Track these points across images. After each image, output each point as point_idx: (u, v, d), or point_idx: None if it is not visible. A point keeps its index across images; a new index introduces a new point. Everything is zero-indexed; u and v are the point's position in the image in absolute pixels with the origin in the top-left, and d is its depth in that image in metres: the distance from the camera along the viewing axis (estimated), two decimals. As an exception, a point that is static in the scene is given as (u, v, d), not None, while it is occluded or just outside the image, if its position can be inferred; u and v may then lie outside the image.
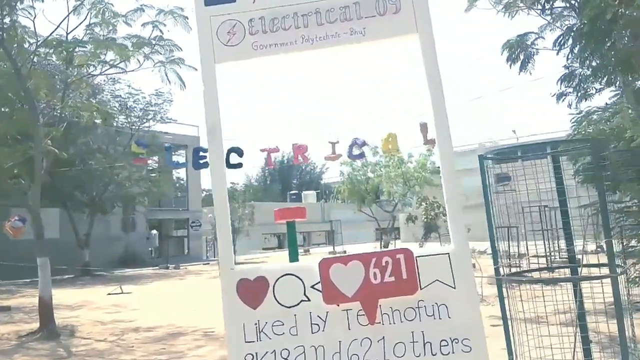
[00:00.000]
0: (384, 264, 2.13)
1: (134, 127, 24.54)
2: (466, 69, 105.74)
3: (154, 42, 9.09)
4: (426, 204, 24.40)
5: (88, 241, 24.62)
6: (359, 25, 2.36)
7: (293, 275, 2.22)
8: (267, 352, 2.13)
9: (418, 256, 2.22)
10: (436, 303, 2.16)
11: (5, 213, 16.31)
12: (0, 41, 8.47)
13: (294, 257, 10.64)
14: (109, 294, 15.49)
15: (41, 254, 9.66)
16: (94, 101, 17.91)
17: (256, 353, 2.14)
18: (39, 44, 9.15)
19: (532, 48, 10.44)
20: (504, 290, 3.79)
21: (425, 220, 24.88)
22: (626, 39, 7.71)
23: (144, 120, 25.35)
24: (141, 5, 9.40)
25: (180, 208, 34.33)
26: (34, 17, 9.11)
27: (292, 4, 2.37)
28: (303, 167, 62.77)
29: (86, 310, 12.71)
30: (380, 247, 28.36)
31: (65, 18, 9.00)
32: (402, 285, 2.12)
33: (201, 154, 10.09)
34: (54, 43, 9.36)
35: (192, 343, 8.28)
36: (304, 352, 2.10)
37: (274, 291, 2.21)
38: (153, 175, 25.36)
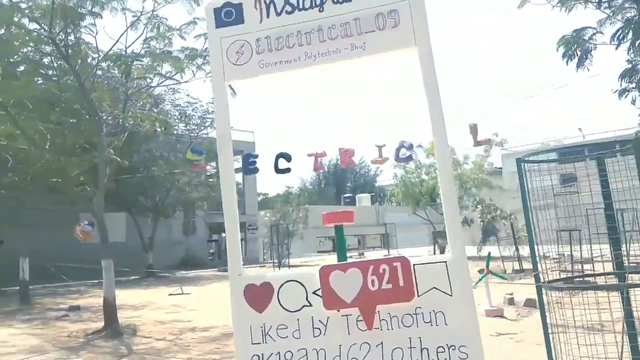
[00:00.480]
0: (381, 271, 2.19)
1: (192, 134, 25.49)
2: (519, 65, 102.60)
3: (205, 53, 9.50)
4: (482, 206, 23.67)
5: (152, 244, 25.85)
6: (360, 41, 2.41)
7: (296, 281, 2.30)
8: (272, 354, 2.22)
9: (415, 264, 2.25)
10: (433, 310, 2.18)
11: (75, 218, 17.42)
12: (66, 57, 9.10)
13: (342, 261, 10.65)
14: (170, 294, 16.17)
15: (106, 257, 10.26)
16: (156, 110, 18.82)
17: (262, 354, 2.23)
18: (100, 58, 9.77)
19: (590, 43, 9.98)
20: (547, 296, 3.67)
21: (481, 223, 24.15)
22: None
23: (202, 128, 26.26)
24: (194, 19, 9.83)
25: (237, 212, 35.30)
26: (96, 34, 9.74)
27: (296, 23, 2.45)
28: (357, 170, 62.66)
29: (148, 310, 13.34)
30: (435, 251, 27.83)
31: (123, 33, 9.57)
32: (399, 292, 2.16)
33: (251, 159, 10.35)
34: (114, 57, 9.97)
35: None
36: (306, 354, 2.17)
37: (278, 296, 2.29)
38: (211, 180, 26.21)
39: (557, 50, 10.34)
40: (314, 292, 2.25)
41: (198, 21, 9.86)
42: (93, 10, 8.86)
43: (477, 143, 10.40)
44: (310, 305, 2.24)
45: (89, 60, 10.11)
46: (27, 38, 9.02)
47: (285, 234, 27.68)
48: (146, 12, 9.25)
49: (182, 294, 16.09)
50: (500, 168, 67.34)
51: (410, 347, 2.10)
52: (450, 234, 2.36)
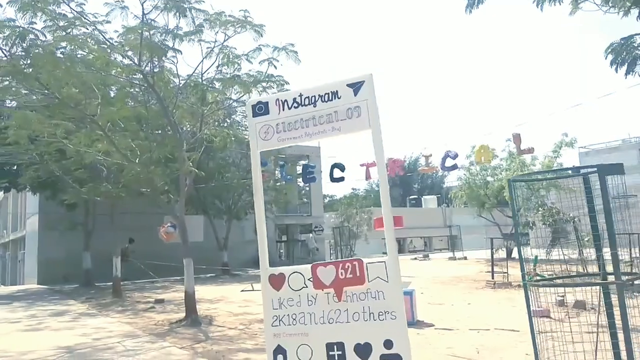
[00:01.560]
0: (347, 267, 3.39)
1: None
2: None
3: (267, 79, 10.71)
4: (543, 209, 23.32)
5: (226, 244, 27.78)
6: (337, 125, 3.58)
7: (298, 272, 3.55)
8: (285, 315, 3.48)
9: (367, 263, 3.39)
10: (377, 290, 3.33)
11: (159, 220, 19.41)
12: (151, 85, 10.65)
13: None
14: (242, 290, 17.64)
15: (186, 255, 11.73)
16: (228, 121, 20.48)
17: (279, 315, 3.50)
18: (180, 87, 11.26)
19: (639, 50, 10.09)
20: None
21: (545, 226, 23.76)
22: None
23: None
24: (259, 45, 11.07)
25: (304, 214, 36.74)
26: (176, 62, 11.23)
27: (299, 114, 3.68)
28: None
29: (223, 303, 14.82)
30: (503, 254, 27.56)
31: (199, 64, 11.01)
32: (356, 280, 3.34)
33: (309, 169, 11.98)
34: (192, 85, 11.44)
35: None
36: (304, 316, 3.42)
37: (288, 281, 3.54)
38: (278, 185, 27.72)
39: (606, 58, 10.52)
40: (308, 279, 3.50)
41: (263, 47, 11.09)
42: (174, 47, 10.34)
43: (521, 151, 11.23)
44: (307, 286, 3.49)
45: (170, 85, 11.63)
46: (120, 70, 10.65)
47: (349, 236, 28.59)
48: (218, 44, 10.59)
49: (253, 290, 17.49)
50: (578, 167, 64.11)
51: (363, 312, 3.31)
52: (388, 244, 3.45)
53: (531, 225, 26.23)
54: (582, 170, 4.78)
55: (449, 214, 46.79)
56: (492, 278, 17.50)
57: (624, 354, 4.06)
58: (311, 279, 3.38)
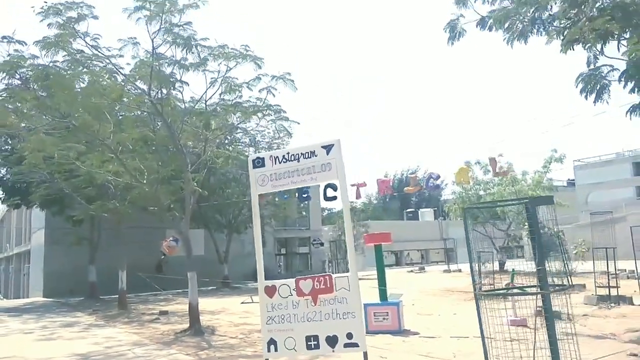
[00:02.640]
0: (320, 280, 4.49)
1: (261, 157, 28.03)
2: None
3: (265, 107, 11.69)
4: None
5: (227, 257, 28.61)
6: (315, 176, 4.75)
7: (285, 284, 4.65)
8: (276, 316, 4.52)
9: (335, 277, 4.50)
10: (342, 297, 4.43)
11: (162, 234, 20.26)
12: (159, 112, 11.60)
13: (381, 277, 12.76)
14: (242, 302, 18.43)
15: (190, 269, 12.56)
16: (229, 138, 21.40)
17: (272, 316, 4.56)
18: (185, 115, 12.23)
19: (607, 80, 11.00)
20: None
21: (528, 240, 24.59)
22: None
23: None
24: (259, 75, 12.03)
25: (303, 227, 37.58)
26: (182, 90, 12.20)
27: (287, 167, 4.81)
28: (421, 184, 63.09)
29: (224, 314, 15.61)
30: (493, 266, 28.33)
31: (204, 93, 11.96)
32: (327, 289, 4.43)
33: (304, 189, 13.02)
34: (197, 113, 12.40)
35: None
36: (289, 316, 4.48)
37: (278, 291, 4.65)
38: (277, 200, 28.57)
39: (577, 87, 11.45)
40: (293, 289, 4.62)
41: (262, 77, 12.07)
42: (181, 79, 11.33)
43: (496, 173, 12.41)
44: (292, 295, 4.60)
45: (177, 110, 12.57)
46: (131, 99, 11.62)
47: (346, 249, 29.34)
48: (221, 75, 11.56)
49: (252, 302, 18.26)
50: (573, 180, 64.91)
51: (332, 313, 4.38)
52: (350, 260, 4.63)
53: (518, 239, 27.17)
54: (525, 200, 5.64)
55: (445, 227, 47.61)
56: (481, 289, 18.25)
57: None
58: (295, 289, 4.52)
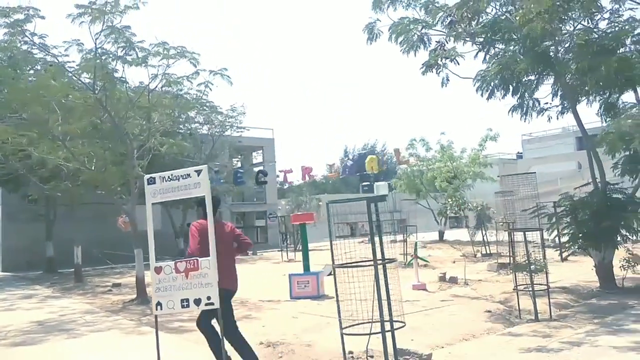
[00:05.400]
0: (191, 262, 5.78)
1: (214, 136, 29.16)
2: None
3: (202, 103, 13.04)
4: (451, 200, 26.84)
5: (182, 231, 29.85)
6: (189, 192, 6.09)
7: (169, 265, 5.98)
8: (162, 286, 6.00)
9: (200, 260, 5.76)
10: (204, 273, 5.77)
11: (117, 211, 21.38)
12: (104, 107, 12.78)
13: (305, 253, 14.89)
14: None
15: (137, 246, 13.91)
16: (184, 116, 22.43)
17: (159, 287, 6.03)
18: (127, 108, 13.43)
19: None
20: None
21: (450, 214, 27.31)
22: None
23: (224, 130, 29.78)
24: (197, 70, 13.34)
25: (260, 201, 39.04)
26: (125, 84, 13.36)
27: (171, 185, 6.12)
28: (381, 158, 65.18)
29: (172, 286, 17.07)
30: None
31: (145, 87, 13.14)
32: (195, 268, 5.80)
33: (238, 174, 16.05)
34: (138, 106, 13.62)
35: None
36: (171, 287, 5.93)
37: (164, 270, 6.02)
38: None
39: (474, 86, 13.26)
40: (173, 269, 5.98)
41: (200, 72, 13.40)
42: (122, 75, 12.56)
43: (400, 162, 15.14)
44: (172, 272, 5.97)
45: (122, 102, 13.72)
46: (77, 96, 12.79)
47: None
48: (161, 72, 12.81)
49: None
50: (521, 153, 68.03)
51: (198, 284, 5.75)
52: (211, 249, 5.87)
53: (443, 213, 29.66)
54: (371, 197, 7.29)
55: (398, 200, 49.92)
56: (404, 259, 20.20)
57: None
58: (174, 269, 5.89)
